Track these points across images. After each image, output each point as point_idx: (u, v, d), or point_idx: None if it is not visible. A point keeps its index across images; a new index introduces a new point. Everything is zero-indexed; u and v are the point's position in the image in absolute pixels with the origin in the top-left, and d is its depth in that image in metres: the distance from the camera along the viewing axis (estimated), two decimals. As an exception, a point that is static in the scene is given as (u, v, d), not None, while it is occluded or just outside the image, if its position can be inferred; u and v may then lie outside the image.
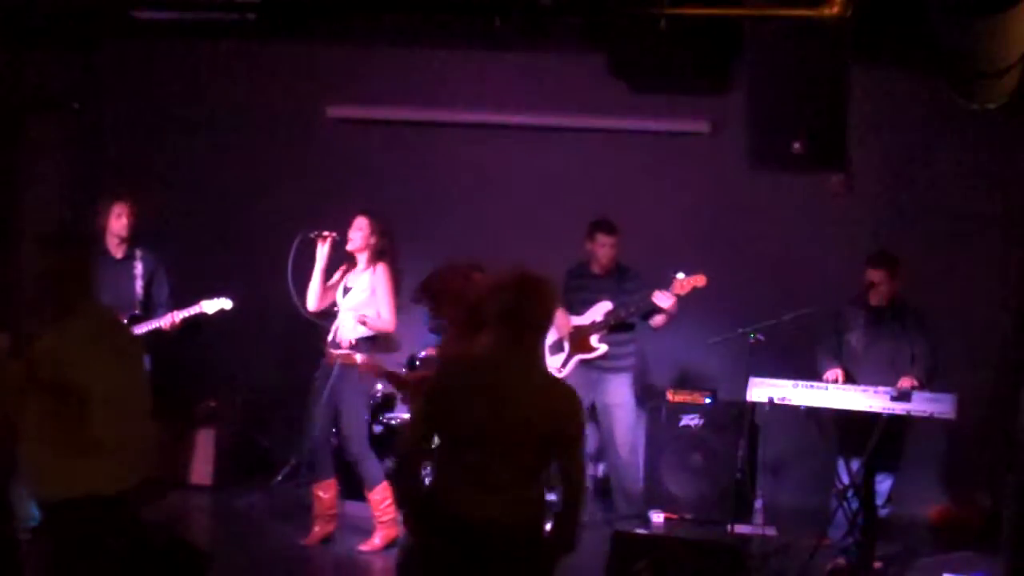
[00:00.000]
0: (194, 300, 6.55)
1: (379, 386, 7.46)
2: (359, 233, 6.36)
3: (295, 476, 7.40)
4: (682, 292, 6.52)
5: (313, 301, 6.36)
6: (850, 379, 6.16)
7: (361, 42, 7.89)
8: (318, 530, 6.30)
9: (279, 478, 7.45)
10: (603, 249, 6.79)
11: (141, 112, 8.21)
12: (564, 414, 3.67)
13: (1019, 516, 5.64)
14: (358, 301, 6.27)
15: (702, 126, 7.94)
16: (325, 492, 6.29)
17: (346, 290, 6.35)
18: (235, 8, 6.59)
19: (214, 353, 7.68)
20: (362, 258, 6.36)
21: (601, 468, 7.83)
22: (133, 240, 6.54)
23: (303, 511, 6.99)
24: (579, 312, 6.82)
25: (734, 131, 6.08)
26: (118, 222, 6.45)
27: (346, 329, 6.25)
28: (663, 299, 6.51)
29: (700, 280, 6.52)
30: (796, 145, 5.25)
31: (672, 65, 6.35)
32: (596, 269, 6.86)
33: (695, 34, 5.98)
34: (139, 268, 6.46)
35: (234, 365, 7.85)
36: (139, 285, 6.42)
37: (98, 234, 6.44)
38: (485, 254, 7.16)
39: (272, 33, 7.66)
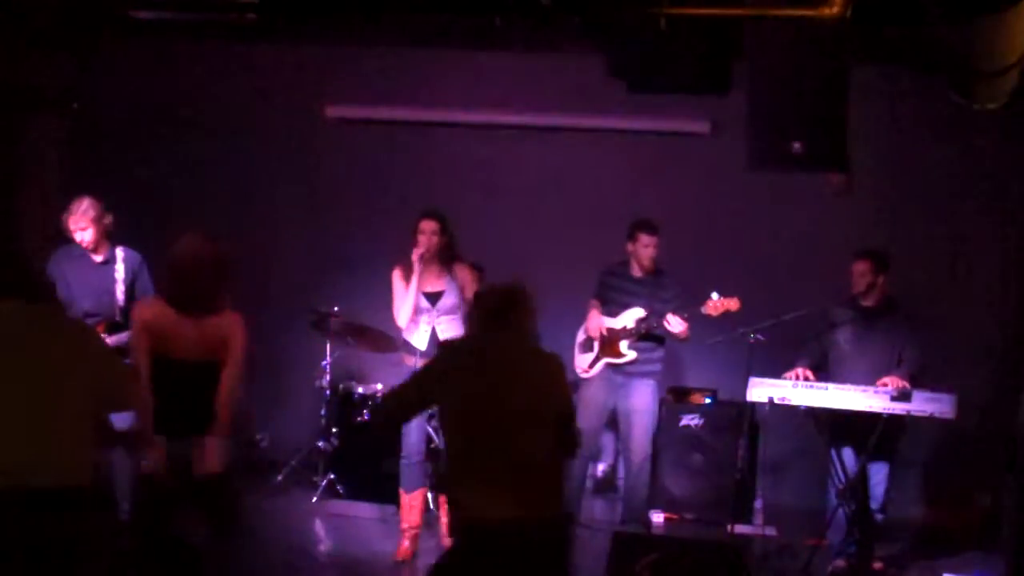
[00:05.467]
0: None
1: (379, 385, 7.47)
2: (434, 237, 6.32)
3: (294, 476, 7.44)
4: (713, 313, 6.38)
5: (406, 318, 6.29)
6: (839, 380, 6.16)
7: (361, 42, 7.90)
8: (408, 544, 6.24)
9: (279, 478, 7.45)
10: (646, 250, 6.61)
11: (141, 112, 8.21)
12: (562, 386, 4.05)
13: (1019, 516, 5.64)
14: (452, 303, 6.24)
15: (702, 126, 7.95)
16: (416, 502, 6.25)
17: (430, 296, 6.28)
18: (235, 8, 6.59)
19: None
20: (434, 261, 6.35)
21: (601, 468, 7.83)
22: (110, 240, 6.16)
23: (302, 511, 7.01)
24: (612, 313, 6.67)
25: (734, 131, 6.07)
26: (75, 233, 6.03)
27: (449, 334, 6.20)
28: (675, 324, 6.41)
29: (733, 304, 6.35)
30: (796, 145, 5.24)
31: (672, 65, 6.34)
32: (636, 271, 6.70)
33: (695, 34, 5.98)
34: (120, 271, 6.11)
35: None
36: (120, 290, 6.08)
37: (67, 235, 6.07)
38: (485, 254, 7.20)
39: (272, 33, 7.66)
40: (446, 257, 6.38)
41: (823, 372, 6.29)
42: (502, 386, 3.77)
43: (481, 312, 4.06)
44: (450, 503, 3.87)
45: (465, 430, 3.76)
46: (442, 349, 4.09)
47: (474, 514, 3.68)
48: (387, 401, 4.36)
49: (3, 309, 3.66)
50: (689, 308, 6.42)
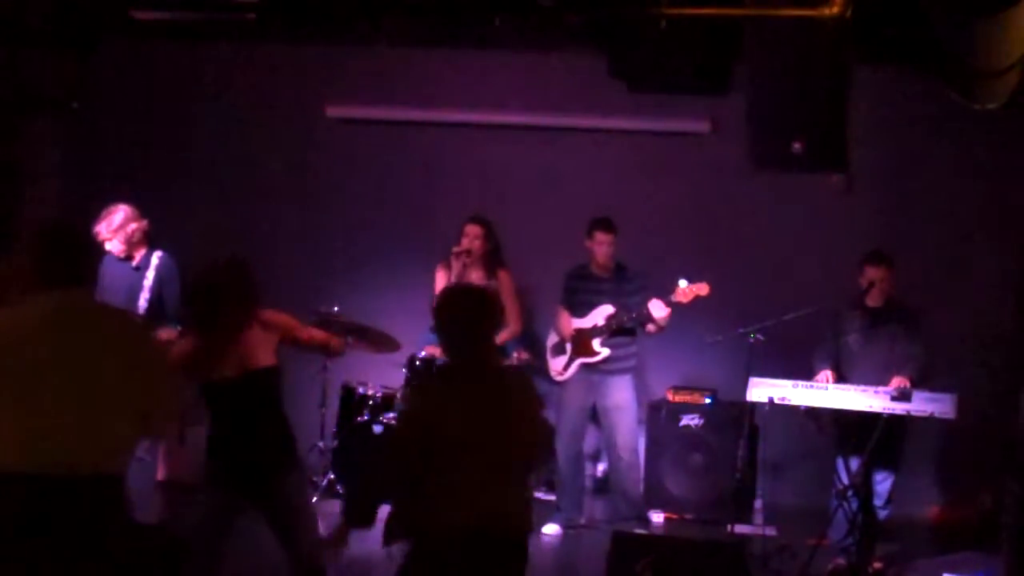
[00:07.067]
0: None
1: (379, 385, 7.47)
2: (476, 242, 6.54)
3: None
4: (684, 300, 6.46)
5: None
6: (847, 380, 6.18)
7: (361, 42, 7.89)
8: None
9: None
10: (601, 247, 6.74)
11: (141, 112, 8.20)
12: (536, 416, 3.89)
13: (1019, 516, 5.64)
14: None
15: (702, 126, 7.94)
16: None
17: None
18: (235, 8, 6.59)
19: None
20: (478, 266, 6.54)
21: (601, 468, 7.84)
22: (147, 245, 6.30)
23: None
24: (580, 314, 6.78)
25: (734, 131, 6.07)
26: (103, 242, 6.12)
27: None
28: (658, 308, 6.48)
29: (703, 289, 6.45)
30: (796, 145, 5.24)
31: (672, 65, 6.36)
32: (595, 269, 6.82)
33: (695, 34, 5.98)
34: (150, 278, 6.19)
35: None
36: (144, 297, 6.16)
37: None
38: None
39: (272, 33, 7.65)
40: (490, 263, 6.49)
41: (835, 373, 6.30)
42: (481, 419, 3.67)
43: (449, 330, 3.80)
44: (406, 515, 3.76)
45: (449, 460, 3.67)
46: (415, 394, 3.90)
47: (438, 521, 3.65)
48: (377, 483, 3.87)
49: (58, 298, 3.61)
50: (662, 298, 6.47)
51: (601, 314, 6.71)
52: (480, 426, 3.65)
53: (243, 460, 4.44)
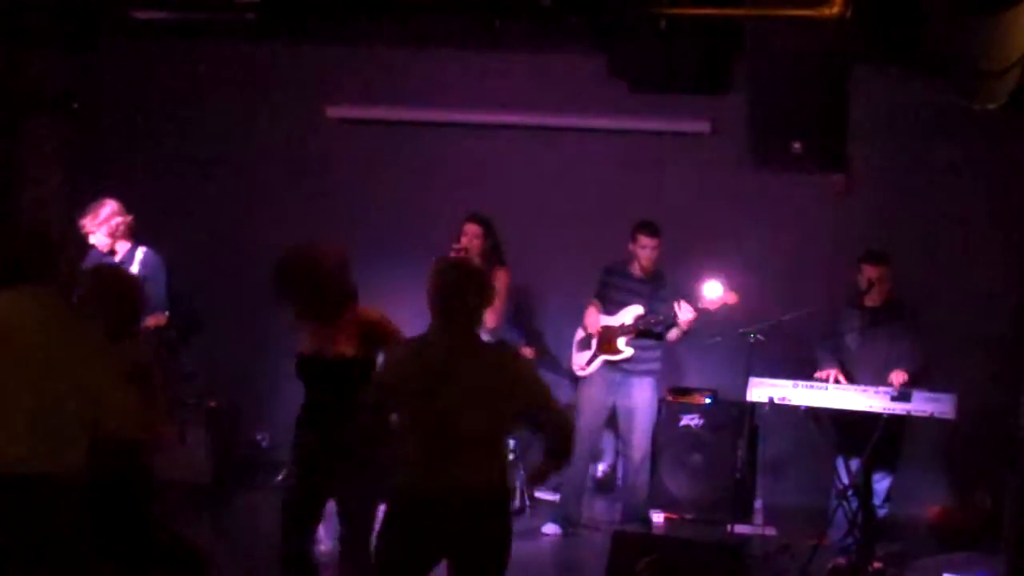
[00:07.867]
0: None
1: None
2: (475, 240, 6.60)
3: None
4: (712, 307, 6.45)
5: None
6: (847, 379, 6.19)
7: (361, 42, 7.90)
8: None
9: (279, 478, 7.45)
10: (644, 251, 6.68)
11: (141, 112, 8.20)
12: (521, 375, 3.89)
13: (1019, 516, 5.64)
14: None
15: (702, 126, 7.94)
16: None
17: None
18: (235, 8, 6.59)
19: (214, 353, 7.68)
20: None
21: (601, 468, 7.84)
22: (132, 240, 6.33)
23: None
24: (611, 312, 6.74)
25: (734, 131, 6.08)
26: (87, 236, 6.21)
27: (485, 337, 6.25)
28: (684, 312, 6.43)
29: (732, 297, 6.44)
30: (796, 145, 5.25)
31: (672, 65, 6.39)
32: (635, 271, 6.77)
33: (695, 34, 6.01)
34: (134, 273, 6.08)
35: (234, 365, 7.85)
36: None
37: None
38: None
39: (272, 33, 7.66)
40: (488, 261, 6.54)
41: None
42: (449, 391, 3.72)
43: (432, 302, 3.87)
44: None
45: (414, 426, 3.77)
46: (390, 356, 4.03)
47: (413, 484, 3.73)
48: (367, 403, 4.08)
49: (7, 298, 3.62)
50: (690, 301, 6.46)
51: (630, 314, 6.68)
52: (440, 391, 3.71)
53: (322, 437, 4.54)
